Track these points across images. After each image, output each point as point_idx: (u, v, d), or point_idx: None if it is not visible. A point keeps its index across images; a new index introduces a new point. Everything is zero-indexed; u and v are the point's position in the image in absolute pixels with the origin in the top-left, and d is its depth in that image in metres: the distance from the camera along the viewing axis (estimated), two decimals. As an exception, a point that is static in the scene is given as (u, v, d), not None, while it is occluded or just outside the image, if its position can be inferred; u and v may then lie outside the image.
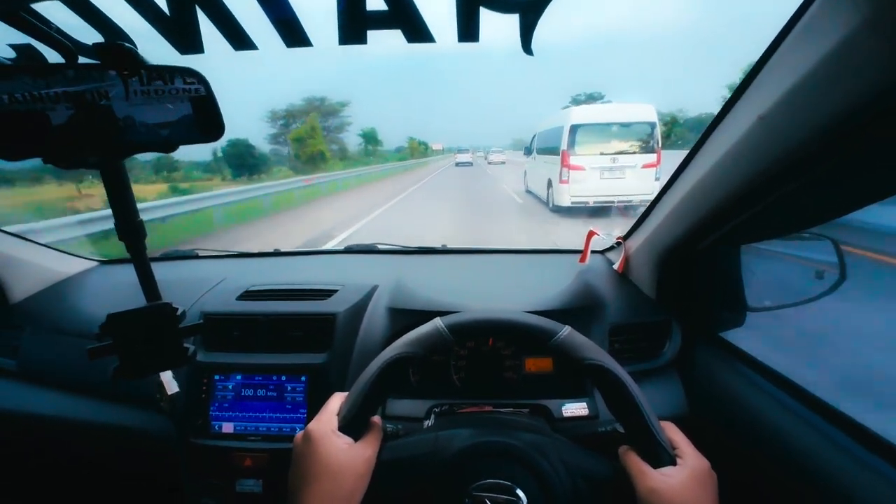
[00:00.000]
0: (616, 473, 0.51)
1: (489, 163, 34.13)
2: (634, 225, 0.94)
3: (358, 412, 0.52)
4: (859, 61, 0.38)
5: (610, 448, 0.55)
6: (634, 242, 0.94)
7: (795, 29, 0.44)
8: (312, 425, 0.52)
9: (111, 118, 0.45)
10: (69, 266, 1.19)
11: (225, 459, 0.82)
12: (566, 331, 0.54)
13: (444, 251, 1.31)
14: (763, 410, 0.70)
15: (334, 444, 0.49)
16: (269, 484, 0.81)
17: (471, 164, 33.58)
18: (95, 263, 1.26)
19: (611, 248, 1.12)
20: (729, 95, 0.57)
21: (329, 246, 4.93)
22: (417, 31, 0.45)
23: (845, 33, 0.37)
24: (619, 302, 0.93)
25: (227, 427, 0.84)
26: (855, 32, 0.36)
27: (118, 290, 1.08)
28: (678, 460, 0.50)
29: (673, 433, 0.53)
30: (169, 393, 0.58)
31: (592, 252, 1.08)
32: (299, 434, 0.53)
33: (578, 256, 1.08)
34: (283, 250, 1.38)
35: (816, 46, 0.40)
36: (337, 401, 0.55)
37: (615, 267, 1.00)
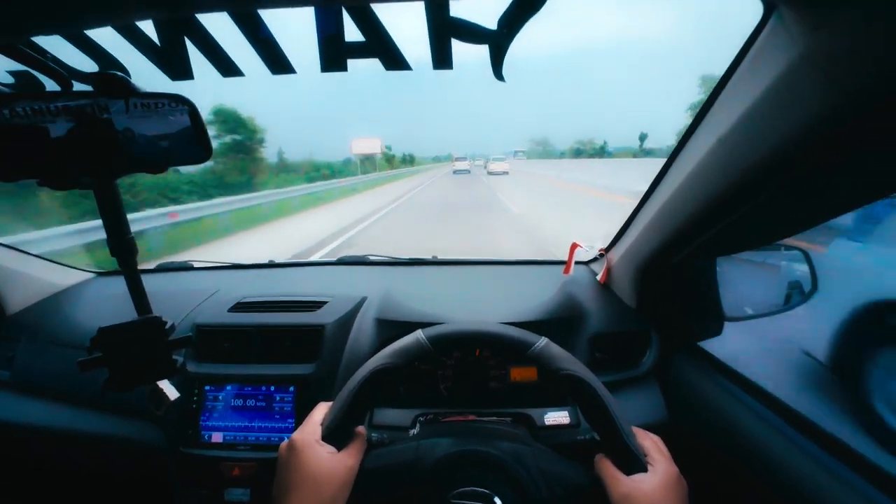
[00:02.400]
0: (592, 481, 0.53)
1: (489, 172, 30.05)
2: (616, 237, 0.97)
3: (341, 422, 0.54)
4: (800, 91, 0.40)
5: (590, 455, 0.56)
6: (615, 254, 0.96)
7: (745, 61, 0.47)
8: (296, 435, 0.54)
9: (111, 131, 0.48)
10: (65, 278, 1.21)
11: (214, 469, 0.83)
12: (542, 342, 0.56)
13: (434, 262, 1.33)
14: (738, 419, 0.72)
15: (317, 453, 0.51)
16: (256, 493, 0.82)
17: (468, 171, 34.38)
18: (91, 275, 1.28)
19: (594, 260, 1.14)
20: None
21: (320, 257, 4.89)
22: (394, 60, 0.48)
23: (786, 66, 0.40)
24: (600, 312, 0.95)
25: (217, 437, 0.85)
26: (794, 66, 0.39)
27: (113, 301, 1.10)
28: (649, 467, 0.51)
29: (645, 440, 0.55)
30: (171, 399, 0.59)
31: (576, 263, 1.11)
32: (284, 443, 0.54)
33: (563, 268, 1.11)
34: (276, 262, 1.40)
35: (763, 77, 0.43)
36: (321, 411, 0.57)
37: (597, 278, 1.03)
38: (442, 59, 0.48)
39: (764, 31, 0.42)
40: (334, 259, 1.39)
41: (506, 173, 29.22)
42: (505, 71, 0.48)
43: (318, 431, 0.54)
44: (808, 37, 0.37)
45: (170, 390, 0.62)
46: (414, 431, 0.80)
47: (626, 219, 0.90)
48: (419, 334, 0.58)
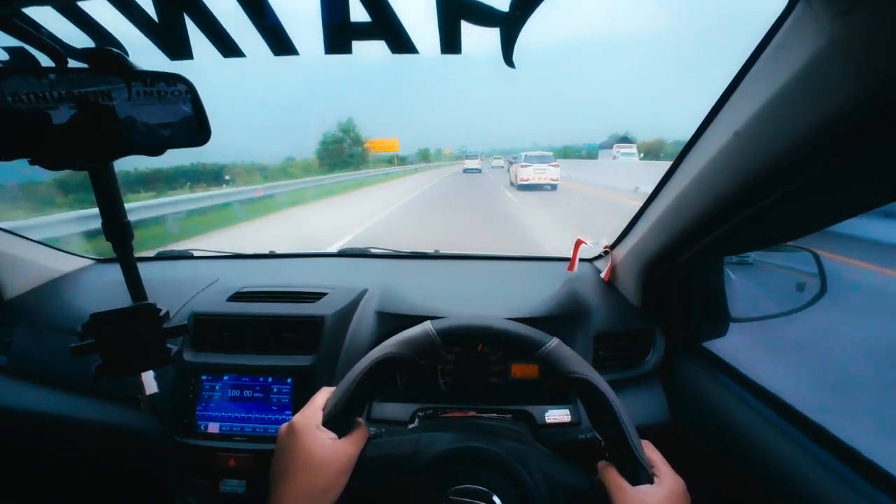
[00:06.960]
0: (594, 488, 0.51)
1: (517, 185, 15.51)
2: (621, 234, 0.95)
3: (343, 408, 0.53)
4: (827, 80, 0.39)
5: (590, 455, 0.55)
6: (621, 252, 0.95)
7: (767, 50, 0.45)
8: (297, 418, 0.53)
9: (113, 118, 0.46)
10: (64, 264, 1.20)
11: (210, 459, 0.83)
12: (554, 342, 0.54)
13: (436, 256, 1.32)
14: (742, 420, 0.70)
15: (317, 437, 0.50)
16: (252, 484, 0.82)
17: (479, 170, 32.02)
18: (90, 262, 1.27)
19: (598, 257, 1.13)
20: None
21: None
22: (400, 43, 0.46)
23: (813, 54, 0.38)
24: (604, 310, 0.93)
25: (213, 427, 0.85)
26: (822, 53, 0.37)
27: (112, 288, 1.09)
28: (655, 479, 0.50)
29: (651, 452, 0.53)
30: (147, 393, 0.58)
31: (580, 260, 1.09)
32: (284, 426, 0.53)
33: (567, 264, 1.09)
34: (277, 252, 1.39)
35: (787, 66, 0.41)
36: (323, 396, 0.56)
37: (602, 275, 1.01)
38: (451, 43, 0.46)
39: (790, 17, 0.41)
40: (335, 251, 1.38)
41: (553, 187, 15.35)
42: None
43: (320, 416, 0.53)
44: (837, 22, 0.35)
45: (150, 384, 0.61)
46: (413, 426, 0.79)
47: (632, 216, 0.88)
48: (428, 326, 0.56)
